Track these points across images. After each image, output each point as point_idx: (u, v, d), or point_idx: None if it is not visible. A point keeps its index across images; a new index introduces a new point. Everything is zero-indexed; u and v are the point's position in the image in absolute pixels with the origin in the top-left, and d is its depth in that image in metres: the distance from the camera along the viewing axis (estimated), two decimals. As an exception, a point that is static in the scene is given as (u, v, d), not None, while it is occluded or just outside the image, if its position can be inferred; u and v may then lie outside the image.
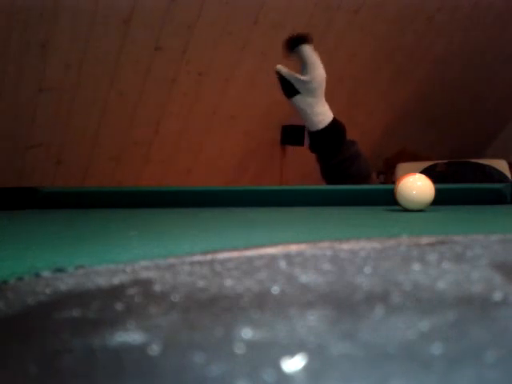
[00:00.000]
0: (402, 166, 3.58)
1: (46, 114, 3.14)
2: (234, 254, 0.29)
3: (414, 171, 1.26)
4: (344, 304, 0.19)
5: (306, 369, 0.13)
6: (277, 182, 4.04)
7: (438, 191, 1.05)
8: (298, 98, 1.58)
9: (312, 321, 0.16)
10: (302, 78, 1.58)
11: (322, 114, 1.63)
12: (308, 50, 1.60)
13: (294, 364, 0.13)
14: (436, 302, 0.18)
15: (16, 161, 3.23)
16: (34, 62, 2.93)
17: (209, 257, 0.28)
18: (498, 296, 0.19)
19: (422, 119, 4.75)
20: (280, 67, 1.58)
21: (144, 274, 0.24)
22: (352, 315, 0.17)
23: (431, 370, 0.13)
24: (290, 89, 1.58)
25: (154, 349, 0.15)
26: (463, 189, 1.45)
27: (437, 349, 0.14)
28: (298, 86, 1.57)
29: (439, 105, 4.70)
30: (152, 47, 3.20)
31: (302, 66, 1.60)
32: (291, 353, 0.14)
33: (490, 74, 4.70)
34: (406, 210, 1.07)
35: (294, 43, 1.59)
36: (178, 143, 3.74)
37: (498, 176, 2.45)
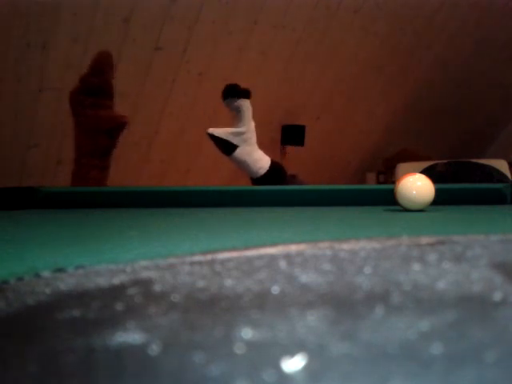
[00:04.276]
0: (402, 166, 3.58)
1: (46, 114, 3.14)
2: (234, 254, 0.29)
3: (414, 171, 1.26)
4: (344, 304, 0.19)
5: (305, 369, 0.13)
6: (277, 182, 4.05)
7: (437, 191, 1.05)
8: (238, 151, 1.69)
9: (312, 321, 0.16)
10: (238, 129, 1.68)
11: (260, 160, 1.74)
12: (248, 105, 1.71)
13: (293, 364, 0.13)
14: (436, 302, 0.18)
15: (16, 161, 3.23)
16: (35, 62, 2.93)
17: (209, 257, 0.28)
18: (497, 296, 0.19)
19: (422, 119, 4.75)
20: (211, 130, 1.68)
21: (144, 274, 0.24)
22: (352, 315, 0.17)
23: (431, 370, 0.13)
24: (227, 146, 1.67)
25: (154, 349, 0.15)
26: (463, 189, 1.45)
27: (437, 349, 0.14)
28: (234, 140, 1.68)
29: (439, 105, 4.70)
30: (152, 47, 3.20)
31: (236, 113, 1.70)
32: (291, 353, 0.14)
33: (489, 74, 4.70)
34: (406, 209, 1.07)
35: (235, 93, 1.67)
36: (178, 143, 3.74)
37: (498, 176, 2.45)
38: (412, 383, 0.12)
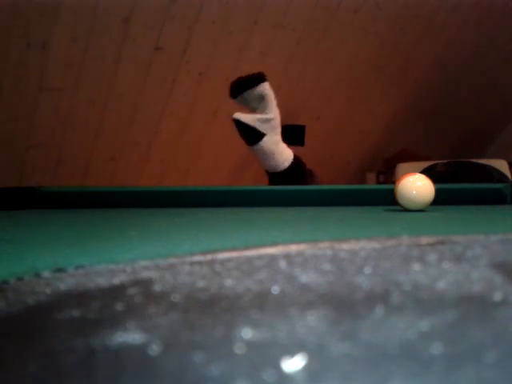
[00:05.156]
0: (401, 166, 3.58)
1: (46, 114, 3.14)
2: (234, 254, 0.29)
3: (414, 171, 1.26)
4: (344, 304, 0.19)
5: (305, 369, 0.13)
6: (277, 182, 4.05)
7: (437, 191, 1.05)
8: (265, 140, 1.47)
9: (312, 321, 0.16)
10: (266, 116, 1.48)
11: (285, 150, 1.56)
12: (269, 88, 1.51)
13: (293, 364, 0.13)
14: (436, 302, 0.18)
15: (16, 161, 3.23)
16: (34, 61, 2.93)
17: (209, 257, 0.28)
18: (497, 296, 0.19)
19: (422, 119, 4.75)
20: (238, 115, 1.47)
21: (144, 274, 0.24)
22: (352, 315, 0.17)
23: (431, 370, 0.13)
24: (253, 135, 1.47)
25: (154, 349, 0.15)
26: (463, 189, 1.45)
27: (437, 349, 0.14)
28: (262, 127, 1.47)
29: (439, 105, 4.70)
30: (152, 47, 3.20)
31: (258, 104, 1.50)
32: (291, 353, 0.14)
33: (489, 74, 4.70)
34: (406, 209, 1.07)
35: (250, 82, 1.48)
36: (178, 143, 3.74)
37: (498, 176, 2.45)
38: (412, 383, 0.12)
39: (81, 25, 2.92)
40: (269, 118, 1.50)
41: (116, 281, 0.23)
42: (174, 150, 3.76)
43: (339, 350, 0.14)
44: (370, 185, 4.08)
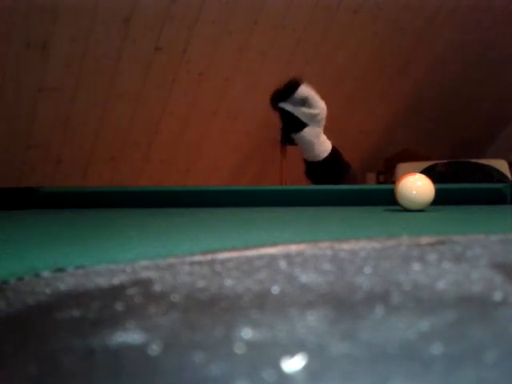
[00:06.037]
0: (401, 166, 3.58)
1: (46, 114, 3.14)
2: (234, 254, 0.29)
3: (414, 171, 1.26)
4: (344, 304, 0.19)
5: (306, 369, 0.13)
6: (277, 182, 4.05)
7: (438, 191, 1.05)
8: (307, 130, 1.59)
9: (312, 321, 0.16)
10: (312, 111, 1.58)
11: (326, 141, 1.66)
12: (306, 89, 1.61)
13: (293, 364, 0.13)
14: (436, 302, 0.18)
15: (16, 161, 3.23)
16: (34, 62, 2.93)
17: (209, 257, 0.28)
18: (497, 296, 0.19)
19: (422, 119, 4.75)
20: (284, 104, 1.57)
21: (144, 274, 0.24)
22: (352, 315, 0.17)
23: (431, 370, 0.13)
24: (295, 124, 1.57)
25: (154, 349, 0.15)
26: (463, 189, 1.45)
27: (437, 349, 0.14)
28: (305, 119, 1.58)
29: (439, 105, 4.70)
30: (152, 47, 3.20)
31: (303, 105, 1.58)
32: (291, 353, 0.14)
33: (489, 74, 4.70)
34: (406, 209, 1.07)
35: (290, 89, 1.58)
36: (178, 143, 3.74)
37: (498, 176, 2.46)
38: (412, 383, 0.12)
39: (81, 25, 2.92)
40: (314, 114, 1.61)
41: (116, 281, 0.23)
42: (174, 150, 3.76)
43: (339, 350, 0.14)
44: (370, 185, 4.08)
